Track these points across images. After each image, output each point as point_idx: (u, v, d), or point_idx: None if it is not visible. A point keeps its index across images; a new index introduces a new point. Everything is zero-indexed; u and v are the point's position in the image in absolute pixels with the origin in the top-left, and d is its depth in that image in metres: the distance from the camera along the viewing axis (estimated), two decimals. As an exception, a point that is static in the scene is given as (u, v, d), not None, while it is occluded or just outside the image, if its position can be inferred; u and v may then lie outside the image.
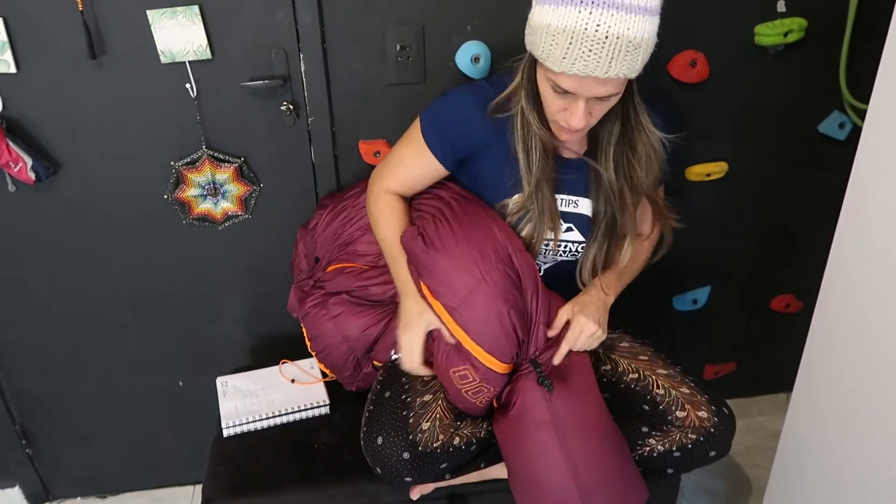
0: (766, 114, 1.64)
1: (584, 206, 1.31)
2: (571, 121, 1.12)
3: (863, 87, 1.56)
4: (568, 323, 1.24)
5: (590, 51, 1.01)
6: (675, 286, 1.87)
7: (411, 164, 1.32)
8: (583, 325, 1.23)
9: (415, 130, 1.30)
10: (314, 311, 1.40)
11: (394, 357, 1.31)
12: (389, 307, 1.36)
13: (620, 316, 1.42)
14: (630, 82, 1.14)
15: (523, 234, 1.26)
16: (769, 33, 1.51)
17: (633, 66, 1.05)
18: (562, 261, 1.35)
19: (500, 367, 1.17)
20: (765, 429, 1.99)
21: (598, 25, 0.99)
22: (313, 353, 1.46)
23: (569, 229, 1.31)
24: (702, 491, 1.83)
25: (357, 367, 1.42)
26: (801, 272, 1.87)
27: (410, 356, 1.22)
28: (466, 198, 1.31)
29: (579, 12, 1.00)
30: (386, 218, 1.32)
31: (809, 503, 1.28)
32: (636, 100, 1.19)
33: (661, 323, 1.89)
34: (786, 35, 1.51)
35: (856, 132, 1.64)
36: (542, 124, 1.19)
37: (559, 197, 1.29)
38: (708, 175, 1.69)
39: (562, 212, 1.30)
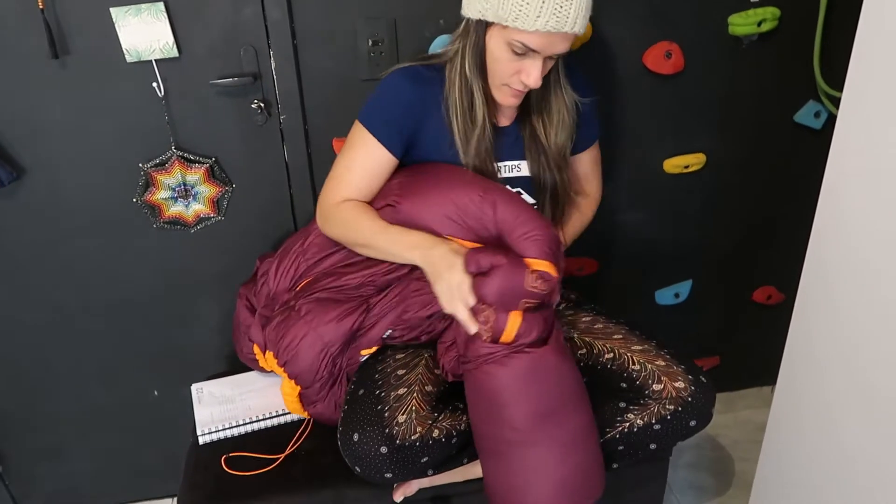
0: (742, 104, 1.64)
1: (525, 168, 1.34)
2: (530, 79, 1.17)
3: (837, 75, 1.56)
4: None
5: (560, 7, 1.09)
6: (657, 280, 1.86)
7: (358, 164, 1.27)
8: None
9: (354, 132, 1.28)
10: (279, 320, 1.31)
11: (386, 334, 1.28)
12: (360, 298, 1.30)
13: (598, 304, 1.43)
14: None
15: None
16: (743, 23, 1.51)
17: (585, 21, 1.14)
18: None
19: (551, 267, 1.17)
20: (751, 422, 1.99)
21: None
22: (280, 367, 1.32)
23: (518, 192, 1.33)
24: (689, 485, 1.82)
25: (330, 374, 1.31)
26: (781, 263, 1.87)
27: (461, 292, 1.14)
28: (413, 172, 1.30)
29: None
30: (353, 218, 1.26)
31: (796, 496, 1.27)
32: (560, 61, 1.24)
33: (643, 318, 1.88)
34: (759, 24, 1.51)
35: (831, 121, 1.65)
36: (484, 94, 1.23)
37: (502, 164, 1.32)
38: (686, 167, 1.68)
39: (508, 178, 1.33)
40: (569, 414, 1.17)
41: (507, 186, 1.31)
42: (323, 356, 1.28)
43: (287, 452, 1.33)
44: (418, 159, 1.30)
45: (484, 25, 1.17)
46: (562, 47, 1.15)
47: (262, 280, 1.41)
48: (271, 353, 1.33)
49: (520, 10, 1.09)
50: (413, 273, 1.27)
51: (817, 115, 1.67)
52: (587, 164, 1.46)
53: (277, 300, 1.38)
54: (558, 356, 1.18)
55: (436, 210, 1.22)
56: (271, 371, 1.38)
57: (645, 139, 1.64)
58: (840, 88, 1.08)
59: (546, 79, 1.23)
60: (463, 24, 1.21)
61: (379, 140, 1.26)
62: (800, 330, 1.21)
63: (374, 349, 1.32)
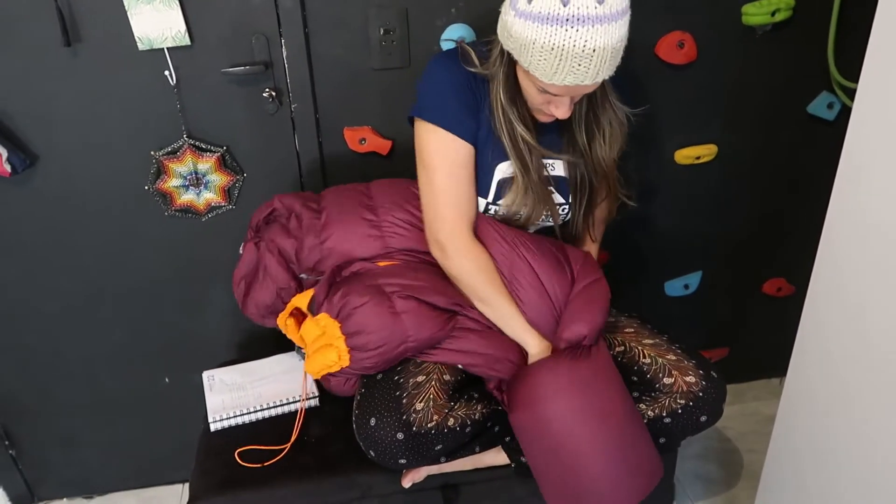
0: (754, 95, 1.63)
1: (559, 167, 1.32)
2: (558, 113, 1.16)
3: (851, 66, 1.55)
4: None
5: (579, 65, 1.05)
6: (667, 271, 1.86)
7: (458, 175, 1.23)
8: None
9: (426, 136, 1.23)
10: (369, 303, 1.22)
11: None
12: (450, 315, 1.27)
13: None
14: None
15: (527, 203, 1.28)
16: (756, 13, 1.50)
17: (614, 66, 1.10)
18: (539, 229, 1.38)
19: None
20: (759, 414, 1.99)
21: (585, 42, 1.02)
22: (340, 335, 1.23)
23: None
24: (697, 477, 1.82)
25: (392, 360, 1.27)
26: (792, 255, 1.86)
27: None
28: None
29: (566, 31, 1.02)
30: (477, 276, 1.25)
31: (804, 488, 1.27)
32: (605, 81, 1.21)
33: (652, 308, 1.88)
34: (773, 14, 1.50)
35: (845, 112, 1.63)
36: (521, 119, 1.22)
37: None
38: (697, 158, 1.68)
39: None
40: (618, 410, 1.20)
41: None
42: (399, 353, 1.24)
43: (292, 441, 1.33)
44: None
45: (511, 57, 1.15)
46: (588, 90, 1.12)
47: (315, 242, 1.33)
48: (337, 324, 1.23)
49: (537, 64, 1.07)
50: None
51: (830, 106, 1.65)
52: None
53: (347, 267, 1.32)
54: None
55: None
56: (280, 329, 1.34)
57: (656, 130, 1.63)
58: (854, 79, 1.07)
59: (592, 97, 1.22)
60: (500, 45, 1.17)
61: (452, 132, 1.22)
62: (810, 322, 1.21)
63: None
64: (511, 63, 1.18)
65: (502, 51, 1.17)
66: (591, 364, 1.20)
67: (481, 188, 1.29)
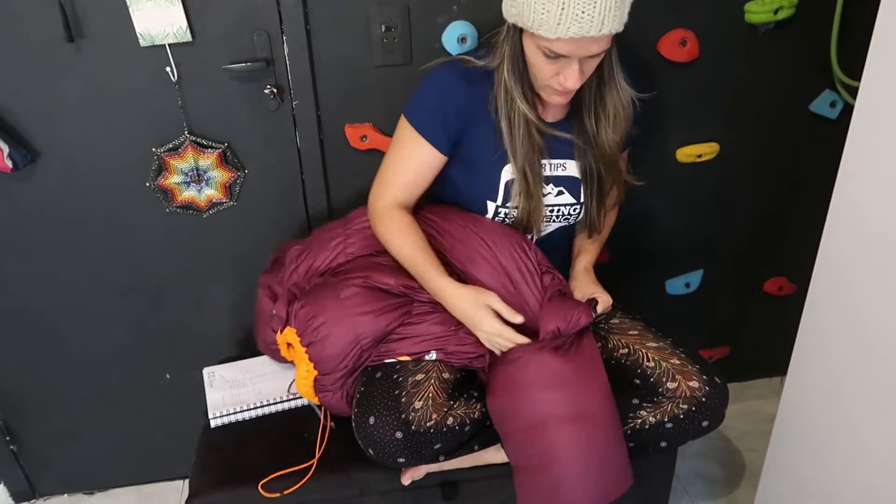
0: (756, 93, 1.63)
1: (571, 168, 1.33)
2: (567, 83, 1.14)
3: (854, 64, 1.54)
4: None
5: (583, 12, 1.04)
6: (668, 270, 1.86)
7: (407, 163, 1.29)
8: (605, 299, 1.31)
9: (402, 130, 1.29)
10: (313, 297, 1.28)
11: (431, 356, 1.27)
12: (405, 299, 1.29)
13: (610, 296, 1.42)
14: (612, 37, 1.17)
15: (518, 205, 1.29)
16: (759, 10, 1.49)
17: (622, 18, 1.08)
18: (554, 229, 1.38)
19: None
20: (760, 413, 1.98)
21: None
22: (303, 347, 1.28)
23: (560, 193, 1.33)
24: (697, 476, 1.82)
25: (354, 366, 1.28)
26: (793, 254, 1.86)
27: (502, 337, 1.21)
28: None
29: None
30: (401, 234, 1.28)
31: (804, 487, 1.27)
32: (614, 55, 1.21)
33: (653, 307, 1.88)
34: (776, 12, 1.49)
35: (847, 111, 1.63)
36: (524, 97, 1.22)
37: (547, 162, 1.31)
38: (699, 156, 1.67)
39: (552, 176, 1.32)
40: (595, 412, 1.19)
41: (551, 185, 1.32)
42: (353, 346, 1.25)
43: (316, 458, 1.31)
44: (465, 158, 1.29)
45: (519, 30, 1.16)
46: (595, 48, 1.11)
47: (293, 267, 1.38)
48: (294, 330, 1.29)
49: (541, 18, 1.07)
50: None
51: (833, 104, 1.65)
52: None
53: (311, 281, 1.35)
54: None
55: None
56: (291, 361, 1.36)
57: (658, 128, 1.63)
58: (857, 78, 1.07)
59: (600, 74, 1.22)
60: (505, 27, 1.20)
61: (427, 139, 1.26)
62: (811, 321, 1.21)
63: (410, 358, 1.28)
64: (517, 42, 1.18)
65: (508, 30, 1.19)
66: (574, 361, 1.19)
67: (489, 192, 1.30)
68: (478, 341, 1.26)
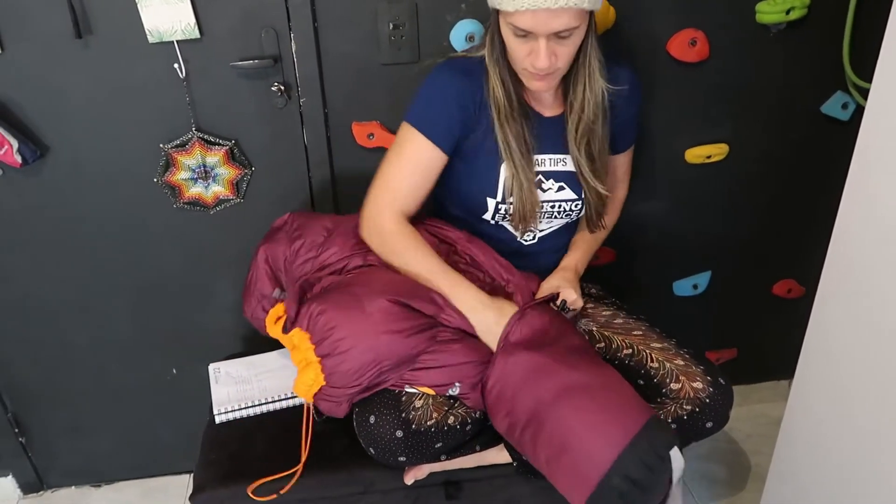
0: (767, 94, 1.61)
1: (571, 163, 1.33)
2: (537, 62, 1.15)
3: (866, 65, 1.53)
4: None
5: None
6: (675, 271, 1.85)
7: (410, 168, 1.27)
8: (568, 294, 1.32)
9: (403, 134, 1.28)
10: (334, 304, 1.18)
11: (454, 391, 1.21)
12: (432, 322, 1.23)
13: (617, 297, 1.44)
14: (589, 26, 1.18)
15: (514, 200, 1.29)
16: (771, 11, 1.48)
17: None
18: (557, 227, 1.38)
19: None
20: (766, 416, 1.97)
21: None
22: (315, 357, 1.18)
23: (560, 188, 1.33)
24: (702, 477, 1.81)
25: (369, 386, 1.20)
26: (802, 256, 1.84)
27: None
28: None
29: None
30: (412, 249, 1.25)
31: (810, 491, 1.26)
32: (591, 43, 1.21)
33: (661, 308, 1.87)
34: (788, 12, 1.48)
35: (859, 112, 1.61)
36: (503, 83, 1.23)
37: (546, 157, 1.31)
38: (708, 157, 1.66)
39: (551, 171, 1.32)
40: (581, 377, 1.14)
41: (551, 180, 1.32)
42: (373, 366, 1.16)
43: (302, 461, 1.27)
44: (466, 154, 1.29)
45: (497, 13, 1.18)
46: (557, 23, 1.11)
47: (309, 257, 1.31)
48: (306, 335, 1.20)
49: None
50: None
51: (845, 106, 1.63)
52: (621, 168, 1.48)
53: (319, 274, 1.30)
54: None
55: None
56: (276, 338, 1.29)
57: (667, 128, 1.62)
58: (869, 79, 1.06)
59: (576, 63, 1.23)
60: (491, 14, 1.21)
61: (429, 138, 1.25)
62: (819, 324, 1.20)
63: (431, 391, 1.21)
64: (496, 26, 1.20)
65: (491, 19, 1.21)
66: (546, 350, 1.17)
67: (489, 189, 1.29)
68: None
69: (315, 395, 1.24)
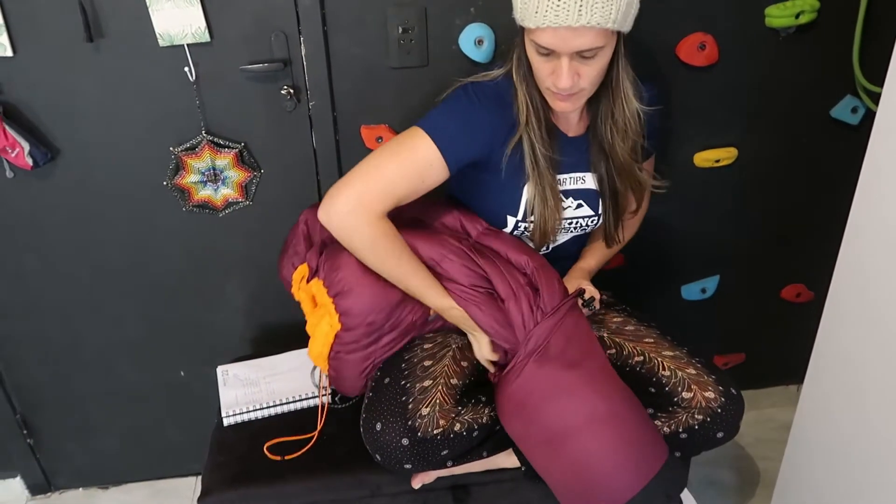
0: (776, 98, 1.61)
1: (590, 181, 1.33)
2: (559, 81, 1.14)
3: (877, 70, 1.52)
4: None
5: (561, 0, 1.05)
6: (684, 275, 1.84)
7: (408, 168, 1.19)
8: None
9: (413, 136, 1.20)
10: (342, 249, 1.22)
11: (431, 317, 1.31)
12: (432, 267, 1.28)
13: (625, 301, 1.44)
14: (617, 47, 1.16)
15: (535, 218, 1.28)
16: (780, 15, 1.47)
17: (606, 14, 1.06)
18: (568, 238, 1.39)
19: None
20: (775, 420, 1.96)
21: None
22: (330, 299, 1.23)
23: (579, 206, 1.33)
24: (710, 483, 1.80)
25: (381, 326, 1.25)
26: (811, 261, 1.83)
27: (487, 354, 1.27)
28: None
29: None
30: (395, 249, 1.20)
31: (820, 496, 1.25)
32: (620, 64, 1.20)
33: (669, 312, 1.86)
34: (797, 16, 1.48)
35: (869, 117, 1.61)
36: (539, 96, 1.22)
37: (567, 176, 1.31)
38: (717, 161, 1.66)
39: (571, 189, 1.32)
40: (613, 408, 1.19)
41: (570, 198, 1.32)
42: (381, 301, 1.23)
43: (319, 429, 1.35)
44: (488, 174, 1.26)
45: (522, 30, 1.17)
46: (580, 43, 1.08)
47: None
48: (321, 281, 1.26)
49: (524, 8, 1.09)
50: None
51: (854, 110, 1.63)
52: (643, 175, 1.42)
53: None
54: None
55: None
56: (299, 301, 1.34)
57: (676, 132, 1.61)
58: (879, 83, 1.05)
59: (606, 83, 1.21)
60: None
61: (440, 149, 1.18)
62: (829, 329, 1.19)
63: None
64: (522, 42, 1.19)
65: (518, 36, 1.19)
66: (577, 367, 1.20)
67: (510, 207, 1.30)
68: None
69: (330, 356, 1.28)
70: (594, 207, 1.34)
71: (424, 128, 1.20)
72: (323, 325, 1.27)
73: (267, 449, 1.32)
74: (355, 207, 1.16)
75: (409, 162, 1.19)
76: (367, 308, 1.23)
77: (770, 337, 1.97)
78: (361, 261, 1.22)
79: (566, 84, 1.13)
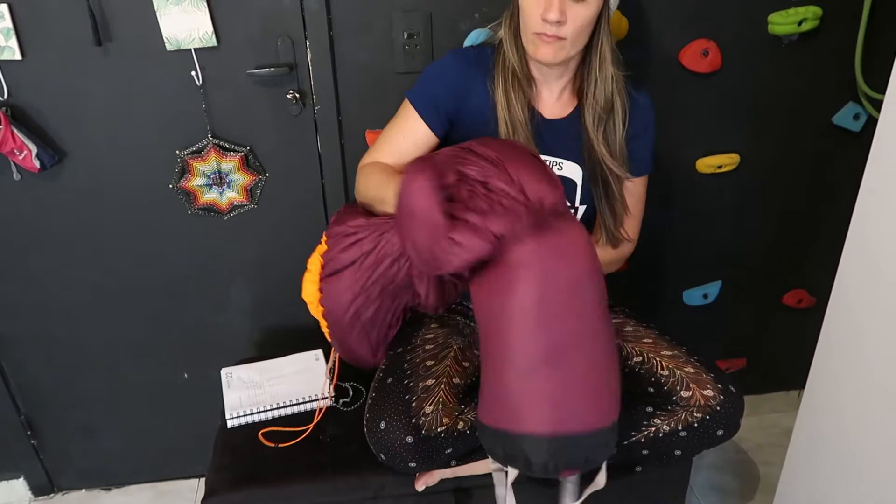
0: (779, 105, 1.62)
1: (568, 168, 1.32)
2: (548, 13, 1.14)
3: (879, 76, 1.53)
4: None
5: None
6: (686, 280, 1.85)
7: (398, 135, 1.32)
8: None
9: (401, 107, 1.33)
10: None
11: None
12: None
13: (627, 306, 1.43)
14: (602, 9, 1.18)
15: None
16: (783, 22, 1.48)
17: None
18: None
19: None
20: (777, 426, 1.97)
21: None
22: (324, 238, 1.26)
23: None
24: (711, 488, 1.81)
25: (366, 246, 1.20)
26: (813, 267, 1.84)
27: None
28: None
29: None
30: (378, 171, 1.28)
31: (821, 501, 1.25)
32: (603, 29, 1.22)
33: (670, 318, 1.87)
34: (800, 24, 1.49)
35: (871, 123, 1.62)
36: (518, 55, 1.24)
37: (544, 158, 1.29)
38: (719, 167, 1.66)
39: None
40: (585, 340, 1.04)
41: None
42: (359, 219, 1.22)
43: (314, 423, 1.37)
44: (460, 138, 1.24)
45: None
46: None
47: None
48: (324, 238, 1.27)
49: None
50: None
51: (857, 117, 1.64)
52: (631, 197, 1.37)
53: None
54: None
55: None
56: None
57: (678, 138, 1.62)
58: (881, 91, 1.06)
59: (591, 48, 1.24)
60: None
61: (420, 115, 1.29)
62: (831, 335, 1.20)
63: None
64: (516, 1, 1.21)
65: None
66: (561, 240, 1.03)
67: None
68: None
69: (321, 288, 1.21)
70: (570, 197, 1.33)
71: (408, 95, 1.32)
72: (313, 256, 1.24)
73: (262, 435, 1.35)
74: (358, 168, 1.34)
75: (399, 130, 1.32)
76: (348, 220, 1.22)
77: (772, 342, 1.98)
78: (366, 200, 1.29)
79: (554, 15, 1.14)
